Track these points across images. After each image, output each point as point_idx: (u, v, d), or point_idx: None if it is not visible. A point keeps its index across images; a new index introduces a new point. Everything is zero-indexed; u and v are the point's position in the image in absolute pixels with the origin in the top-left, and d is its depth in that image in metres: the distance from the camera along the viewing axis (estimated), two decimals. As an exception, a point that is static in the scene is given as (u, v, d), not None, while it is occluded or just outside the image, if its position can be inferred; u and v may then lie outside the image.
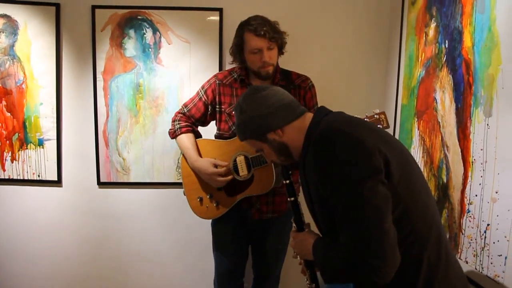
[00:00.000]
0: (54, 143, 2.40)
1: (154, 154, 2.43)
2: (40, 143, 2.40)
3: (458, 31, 1.62)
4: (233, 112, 1.28)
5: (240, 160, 1.89)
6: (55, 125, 2.39)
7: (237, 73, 1.97)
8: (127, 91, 2.39)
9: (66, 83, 2.39)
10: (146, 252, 2.53)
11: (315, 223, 1.27)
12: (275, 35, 1.85)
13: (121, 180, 2.45)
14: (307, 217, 1.36)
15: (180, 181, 2.41)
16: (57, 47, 2.34)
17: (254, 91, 1.25)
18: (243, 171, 1.88)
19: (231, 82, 1.97)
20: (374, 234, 1.00)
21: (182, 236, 2.52)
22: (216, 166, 1.88)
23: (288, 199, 1.34)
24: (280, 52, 1.95)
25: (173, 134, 2.01)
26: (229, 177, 1.88)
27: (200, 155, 1.95)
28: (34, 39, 2.33)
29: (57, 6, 2.32)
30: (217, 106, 1.97)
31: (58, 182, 2.44)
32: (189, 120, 2.01)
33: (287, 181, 1.33)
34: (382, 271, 0.99)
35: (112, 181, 2.45)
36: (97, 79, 2.37)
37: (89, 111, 2.40)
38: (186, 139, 1.97)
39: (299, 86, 1.97)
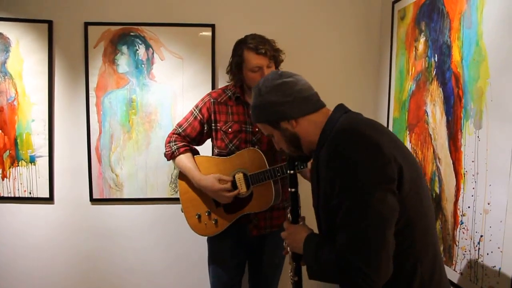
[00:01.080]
0: (46, 160, 2.38)
1: (147, 170, 2.42)
2: (32, 160, 2.38)
3: (447, 46, 1.66)
4: (254, 89, 1.25)
5: (239, 177, 1.89)
6: (47, 142, 2.38)
7: (231, 91, 1.98)
8: (120, 107, 2.38)
9: (59, 99, 2.39)
10: (139, 269, 2.50)
11: (316, 222, 1.24)
12: (275, 54, 1.88)
13: (114, 197, 2.43)
14: (305, 212, 1.36)
15: (174, 196, 2.41)
16: (49, 64, 2.34)
17: (277, 76, 1.21)
18: (242, 189, 1.88)
19: (226, 100, 1.97)
20: (373, 242, 0.99)
21: (177, 252, 2.49)
22: (220, 181, 1.88)
23: (289, 189, 1.32)
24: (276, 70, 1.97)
25: (171, 156, 1.99)
26: (236, 192, 1.87)
27: None
28: (26, 56, 2.33)
29: (50, 23, 2.33)
30: (213, 124, 1.97)
31: (50, 199, 2.41)
32: (185, 140, 2.00)
33: (291, 172, 1.31)
34: (373, 279, 0.98)
35: (105, 197, 2.43)
36: (90, 95, 2.37)
37: (81, 127, 2.39)
38: (185, 159, 1.96)
39: None
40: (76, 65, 2.37)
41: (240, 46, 1.89)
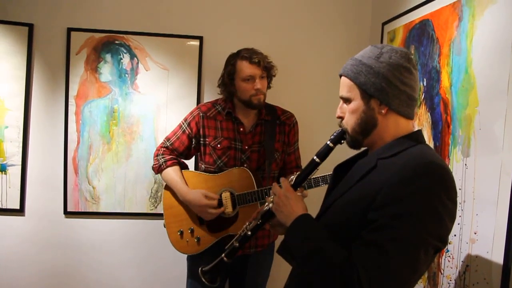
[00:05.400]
0: (18, 169, 2.27)
1: (126, 183, 2.33)
2: (3, 169, 2.26)
3: (436, 71, 1.66)
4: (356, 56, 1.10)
5: (226, 196, 1.84)
6: (20, 150, 2.26)
7: (221, 106, 1.94)
8: (100, 117, 2.30)
9: (36, 106, 2.29)
10: (114, 287, 2.38)
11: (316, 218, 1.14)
12: (267, 65, 1.87)
13: (90, 210, 2.32)
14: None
15: (153, 212, 2.33)
16: (27, 69, 2.25)
17: (407, 57, 1.05)
18: (228, 208, 1.83)
19: (215, 114, 1.93)
20: (392, 279, 0.92)
21: (154, 270, 2.40)
22: (207, 197, 1.82)
23: (314, 157, 1.18)
24: (268, 86, 1.94)
25: (158, 169, 1.94)
26: (221, 209, 1.82)
27: None
28: (2, 59, 2.23)
29: (31, 26, 2.23)
30: (201, 139, 1.92)
31: (20, 211, 2.29)
32: (173, 154, 1.95)
33: (332, 145, 1.16)
34: None
35: (80, 210, 2.32)
36: (69, 103, 2.28)
37: (59, 136, 2.29)
38: (173, 172, 1.90)
39: (284, 123, 1.98)
40: (56, 72, 2.28)
41: (234, 57, 1.89)
